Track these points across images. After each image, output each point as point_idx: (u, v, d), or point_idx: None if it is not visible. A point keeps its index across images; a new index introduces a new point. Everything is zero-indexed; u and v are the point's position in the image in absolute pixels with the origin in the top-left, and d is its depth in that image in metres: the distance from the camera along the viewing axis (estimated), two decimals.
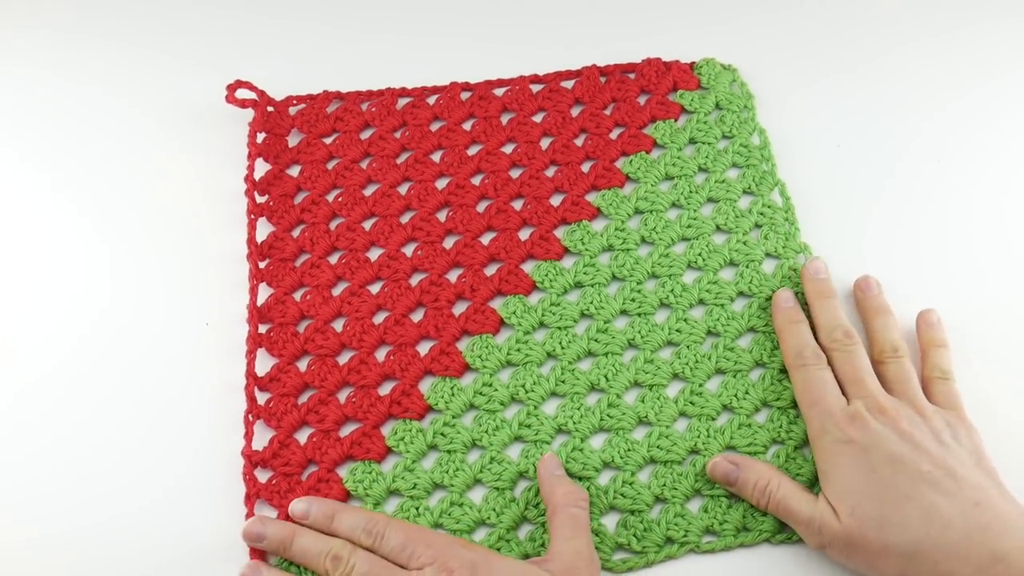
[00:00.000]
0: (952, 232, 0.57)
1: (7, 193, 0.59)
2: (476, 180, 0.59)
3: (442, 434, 0.50)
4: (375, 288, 0.55)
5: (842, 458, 0.45)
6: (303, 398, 0.51)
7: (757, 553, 0.47)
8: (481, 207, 0.58)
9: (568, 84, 0.62)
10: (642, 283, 0.55)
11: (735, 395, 0.51)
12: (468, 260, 0.55)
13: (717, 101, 0.62)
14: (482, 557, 0.43)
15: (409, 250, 0.56)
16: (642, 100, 0.62)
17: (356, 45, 0.65)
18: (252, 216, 0.57)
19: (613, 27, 0.66)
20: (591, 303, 0.54)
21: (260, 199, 0.57)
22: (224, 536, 0.47)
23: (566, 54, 0.64)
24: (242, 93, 0.59)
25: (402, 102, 0.62)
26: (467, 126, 0.61)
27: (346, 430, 0.51)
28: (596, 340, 0.53)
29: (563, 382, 0.51)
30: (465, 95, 0.62)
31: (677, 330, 0.53)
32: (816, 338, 0.51)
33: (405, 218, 0.57)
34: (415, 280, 0.55)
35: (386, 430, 0.51)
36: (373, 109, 0.61)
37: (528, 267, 0.55)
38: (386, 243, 0.56)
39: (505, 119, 0.61)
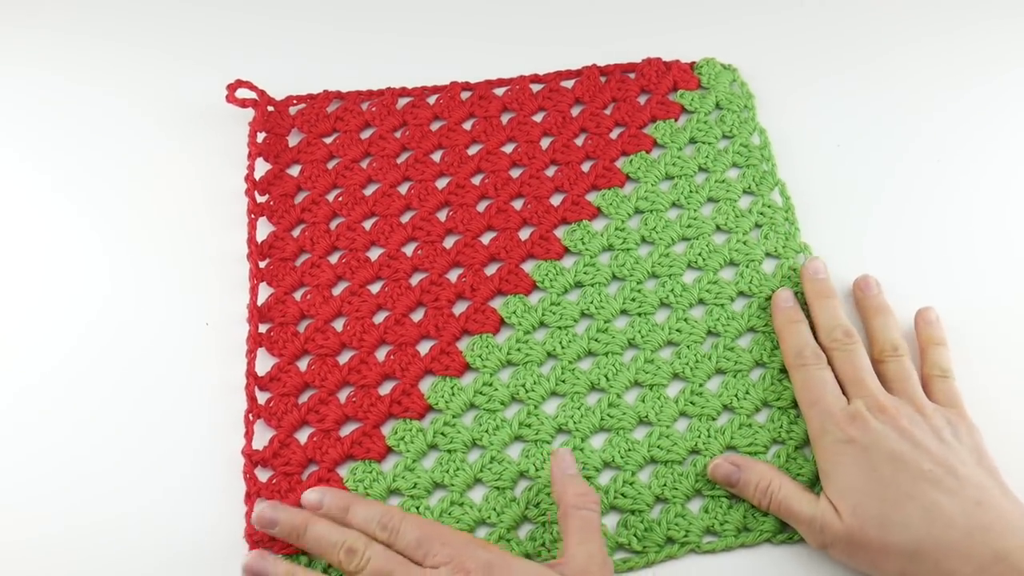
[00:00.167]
0: (952, 232, 0.57)
1: (7, 193, 0.58)
2: (476, 180, 0.59)
3: (442, 434, 0.50)
4: (375, 288, 0.55)
5: (843, 457, 0.45)
6: (303, 398, 0.51)
7: (758, 553, 0.47)
8: (481, 207, 0.58)
9: (568, 84, 0.62)
10: (642, 283, 0.55)
11: (735, 395, 0.51)
12: (468, 260, 0.55)
13: (717, 101, 0.62)
14: (499, 558, 0.42)
15: (409, 250, 0.56)
16: (642, 100, 0.62)
17: (356, 45, 0.65)
18: (252, 216, 0.57)
19: (613, 27, 0.66)
20: (591, 303, 0.54)
21: (260, 199, 0.57)
22: (224, 536, 0.47)
23: (566, 54, 0.64)
24: (242, 93, 0.59)
25: (402, 102, 0.62)
26: (467, 126, 0.61)
27: (346, 430, 0.51)
28: (596, 340, 0.53)
29: (563, 382, 0.51)
30: (465, 95, 0.62)
31: (677, 330, 0.53)
32: (816, 338, 0.51)
33: (405, 218, 0.57)
34: (415, 280, 0.55)
35: (386, 430, 0.50)
36: (373, 109, 0.61)
37: (528, 267, 0.55)
38: (386, 243, 0.56)
39: (505, 119, 0.61)
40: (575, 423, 0.50)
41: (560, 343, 0.53)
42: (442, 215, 0.57)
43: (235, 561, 0.46)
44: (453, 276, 0.55)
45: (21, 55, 0.64)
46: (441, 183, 0.58)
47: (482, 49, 0.65)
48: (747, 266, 0.55)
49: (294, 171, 0.59)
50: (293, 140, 0.60)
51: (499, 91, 0.62)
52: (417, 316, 0.54)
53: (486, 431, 0.50)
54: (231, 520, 0.47)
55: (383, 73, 0.63)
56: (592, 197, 0.58)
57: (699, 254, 0.56)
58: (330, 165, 0.59)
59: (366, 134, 0.60)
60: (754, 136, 0.61)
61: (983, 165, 0.60)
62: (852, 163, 0.60)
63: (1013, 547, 0.41)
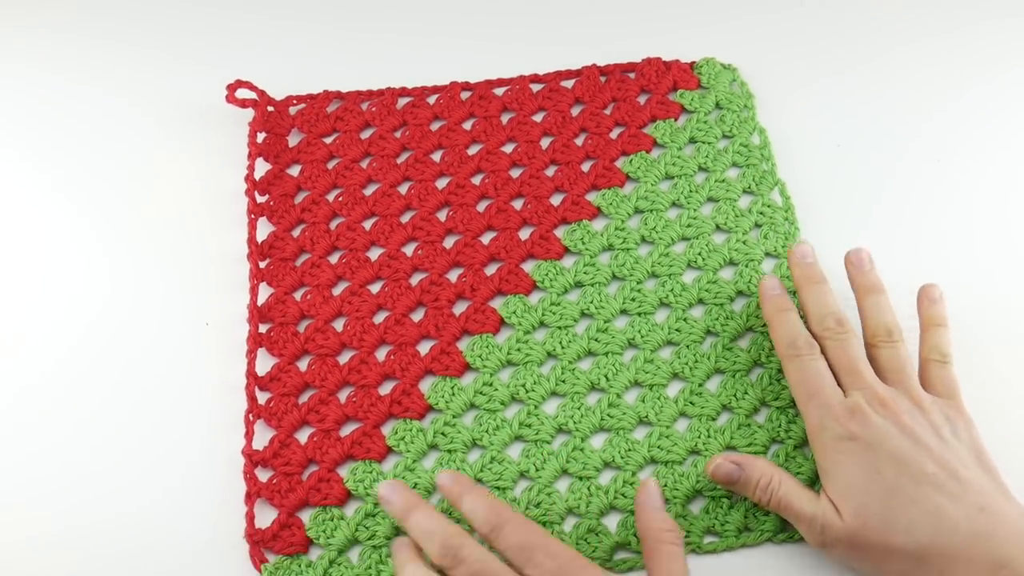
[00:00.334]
0: (952, 232, 0.57)
1: (7, 193, 0.58)
2: (476, 180, 0.59)
3: (442, 434, 0.50)
4: (375, 288, 0.55)
5: (844, 456, 0.45)
6: (303, 398, 0.51)
7: (759, 553, 0.47)
8: (481, 207, 0.58)
9: (568, 84, 0.62)
10: (642, 282, 0.55)
11: (734, 395, 0.51)
12: (468, 260, 0.55)
13: (717, 101, 0.62)
14: None
15: (409, 250, 0.56)
16: (642, 100, 0.62)
17: (356, 45, 0.65)
18: (252, 216, 0.57)
19: (613, 27, 0.66)
20: (591, 302, 0.54)
21: (260, 199, 0.57)
22: (224, 536, 0.47)
23: (566, 54, 0.64)
24: (242, 93, 0.59)
25: (402, 102, 0.62)
26: (467, 126, 0.61)
27: (346, 430, 0.51)
28: (596, 340, 0.53)
29: (563, 382, 0.51)
30: (465, 95, 0.62)
31: (677, 330, 0.53)
32: (806, 326, 0.49)
33: (405, 218, 0.57)
34: (415, 280, 0.55)
35: (386, 430, 0.50)
36: (373, 109, 0.61)
37: (528, 267, 0.55)
38: (386, 243, 0.56)
39: (505, 119, 0.61)
40: (575, 423, 0.50)
41: (560, 343, 0.53)
42: (442, 215, 0.57)
43: (235, 561, 0.46)
44: (453, 276, 0.55)
45: (21, 55, 0.64)
46: (441, 183, 0.58)
47: (482, 49, 0.65)
48: (747, 266, 0.55)
49: (294, 171, 0.59)
50: (293, 140, 0.60)
51: (499, 91, 0.62)
52: (417, 316, 0.54)
53: (486, 431, 0.50)
54: (231, 520, 0.47)
55: (383, 73, 0.63)
56: (592, 197, 0.58)
57: (699, 254, 0.56)
58: (330, 165, 0.59)
59: (366, 134, 0.61)
60: (754, 136, 0.61)
61: (983, 165, 0.60)
62: (852, 163, 0.60)
63: (1015, 554, 0.40)
